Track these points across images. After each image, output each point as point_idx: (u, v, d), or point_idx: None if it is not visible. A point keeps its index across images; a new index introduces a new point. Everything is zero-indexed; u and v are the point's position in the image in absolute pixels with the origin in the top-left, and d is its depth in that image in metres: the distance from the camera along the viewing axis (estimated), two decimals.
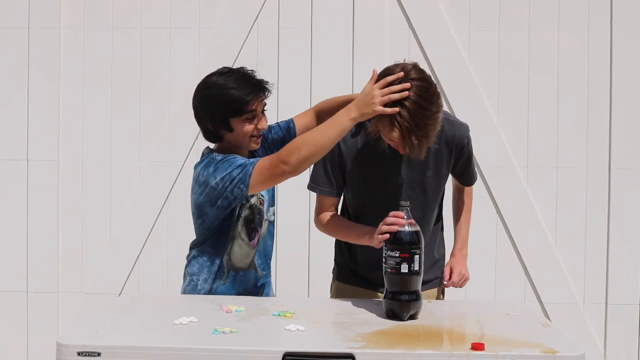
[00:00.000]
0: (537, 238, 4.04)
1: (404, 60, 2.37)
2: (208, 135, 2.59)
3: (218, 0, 4.12)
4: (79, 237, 4.17)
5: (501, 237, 4.05)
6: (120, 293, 4.11)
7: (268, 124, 2.62)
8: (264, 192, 2.62)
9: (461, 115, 3.96)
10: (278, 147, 2.58)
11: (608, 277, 4.04)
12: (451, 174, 2.69)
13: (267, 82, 2.55)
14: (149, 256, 4.12)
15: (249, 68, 2.56)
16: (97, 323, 2.24)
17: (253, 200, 2.59)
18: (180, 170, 4.06)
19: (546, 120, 4.05)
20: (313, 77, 4.08)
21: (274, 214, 2.71)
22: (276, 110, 4.06)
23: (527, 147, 4.06)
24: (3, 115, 4.18)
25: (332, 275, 2.87)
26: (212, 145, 2.64)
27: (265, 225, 2.66)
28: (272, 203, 2.69)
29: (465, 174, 2.75)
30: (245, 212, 2.58)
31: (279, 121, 2.77)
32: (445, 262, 2.84)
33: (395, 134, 2.26)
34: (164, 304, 2.49)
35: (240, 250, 2.61)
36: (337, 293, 2.80)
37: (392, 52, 4.05)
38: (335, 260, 2.85)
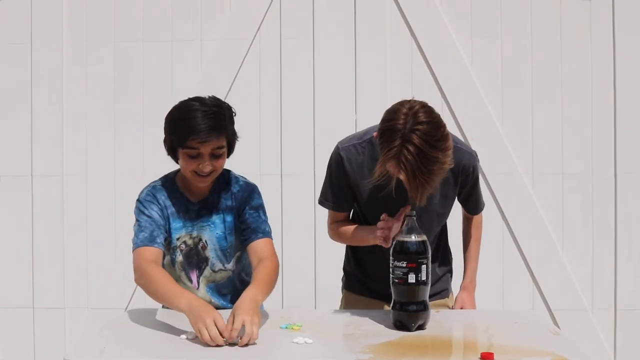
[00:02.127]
0: (544, 245, 4.02)
1: (413, 97, 2.33)
2: (170, 155, 2.57)
3: (220, 12, 4.12)
4: (85, 252, 4.16)
5: (508, 245, 4.04)
6: (127, 308, 4.10)
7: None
8: (210, 239, 2.57)
9: (465, 123, 4.00)
10: (237, 224, 2.56)
11: (616, 282, 4.01)
12: (457, 200, 2.68)
13: (224, 128, 2.42)
14: None
15: (226, 105, 2.48)
16: (104, 338, 2.23)
17: (181, 243, 2.56)
18: None
19: (551, 126, 4.04)
20: (316, 87, 4.07)
21: (235, 264, 2.62)
22: (279, 121, 4.07)
23: (532, 154, 4.05)
24: (7, 131, 4.18)
25: (341, 283, 2.87)
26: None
27: (210, 272, 2.60)
28: (232, 254, 2.61)
29: (470, 202, 2.71)
30: (179, 258, 2.58)
31: (259, 224, 2.56)
32: (452, 275, 2.82)
33: (403, 175, 2.24)
34: (171, 318, 2.47)
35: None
36: (345, 303, 2.80)
37: (395, 61, 4.05)
38: (344, 268, 2.85)
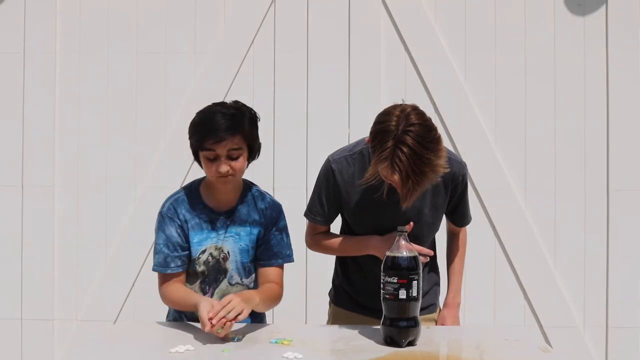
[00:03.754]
0: (536, 261, 4.02)
1: (403, 100, 2.35)
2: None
3: (214, 25, 4.12)
4: (74, 264, 4.13)
5: (500, 261, 4.03)
6: (116, 320, 4.07)
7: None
8: (233, 250, 2.57)
9: (458, 138, 4.00)
10: (258, 238, 2.59)
11: (608, 299, 4.01)
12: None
13: (235, 129, 2.43)
14: (145, 282, 4.09)
15: (254, 112, 2.54)
16: (92, 351, 2.21)
17: (207, 255, 2.56)
18: None
19: (544, 142, 4.04)
20: (309, 101, 4.07)
21: (254, 282, 2.62)
22: (272, 134, 4.06)
23: (524, 169, 4.04)
24: None
25: (328, 297, 2.85)
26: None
27: (227, 285, 2.60)
28: (252, 270, 2.62)
29: (457, 212, 2.69)
30: (200, 268, 2.58)
31: (282, 248, 2.62)
32: (439, 288, 2.80)
33: (396, 177, 2.24)
34: (161, 331, 2.46)
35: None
36: (333, 318, 2.78)
37: (389, 75, 4.06)
38: (332, 281, 2.83)
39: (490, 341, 2.35)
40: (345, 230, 2.71)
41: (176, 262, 2.53)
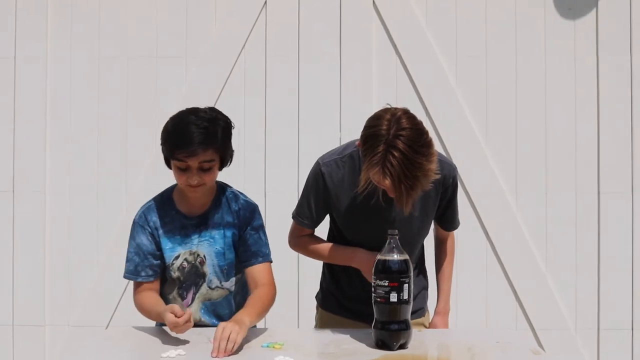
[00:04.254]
0: (527, 264, 4.02)
1: (388, 104, 2.34)
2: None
3: (205, 29, 4.12)
4: (66, 269, 4.12)
5: (491, 263, 4.04)
6: (108, 325, 4.06)
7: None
8: (209, 254, 2.56)
9: (449, 141, 4.01)
10: (236, 241, 2.57)
11: (600, 302, 4.02)
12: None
13: (207, 143, 2.40)
14: None
15: (228, 120, 2.49)
16: (84, 356, 2.21)
17: (182, 260, 2.55)
18: None
19: (534, 145, 4.05)
20: (300, 105, 4.07)
21: (235, 285, 2.61)
22: (264, 138, 4.06)
23: (515, 173, 4.05)
24: None
25: (315, 301, 2.84)
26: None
27: (207, 289, 2.58)
28: (230, 273, 2.59)
29: (446, 216, 2.67)
30: (175, 274, 2.57)
31: (260, 247, 2.58)
32: (427, 293, 2.80)
33: (388, 182, 2.23)
34: (152, 336, 2.45)
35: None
36: (321, 322, 2.77)
37: (380, 78, 4.06)
38: (320, 285, 2.82)
39: (481, 344, 2.35)
40: (333, 232, 2.70)
41: (147, 271, 2.53)
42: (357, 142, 2.40)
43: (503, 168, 4.05)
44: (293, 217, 2.67)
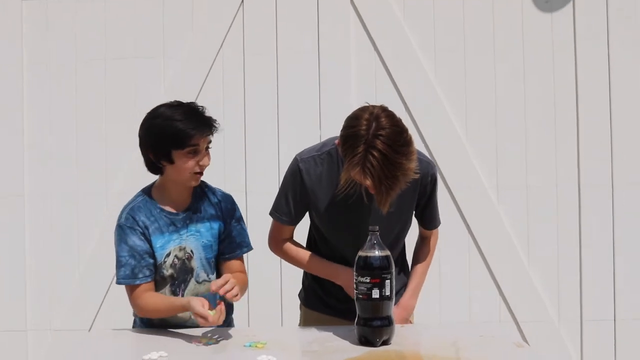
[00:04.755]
0: (509, 257, 4.03)
1: (366, 102, 2.33)
2: (149, 166, 2.56)
3: (183, 29, 4.10)
4: (47, 273, 4.09)
5: (474, 258, 4.04)
6: (90, 329, 4.03)
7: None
8: (196, 248, 2.56)
9: (429, 137, 4.01)
10: (220, 235, 2.60)
11: (582, 293, 4.03)
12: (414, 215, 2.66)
13: (214, 121, 2.50)
14: (118, 290, 4.03)
15: (198, 104, 2.53)
16: None
17: (173, 257, 2.54)
18: None
19: (514, 139, 4.06)
20: (280, 104, 4.06)
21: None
22: (244, 137, 4.05)
23: (496, 167, 4.06)
24: None
25: (299, 299, 2.83)
26: (153, 179, 2.64)
27: (195, 284, 2.58)
28: (214, 265, 2.61)
29: (425, 214, 2.66)
30: (167, 272, 2.55)
31: (244, 237, 2.66)
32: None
33: (369, 181, 2.23)
34: (135, 338, 2.44)
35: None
36: (304, 321, 2.77)
37: (359, 76, 4.06)
38: (302, 282, 2.81)
39: (466, 338, 2.35)
40: (312, 230, 2.69)
41: (144, 272, 2.51)
42: (336, 141, 2.39)
43: (484, 163, 4.06)
44: (271, 214, 2.66)
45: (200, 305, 2.28)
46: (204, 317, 2.26)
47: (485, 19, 4.07)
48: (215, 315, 2.29)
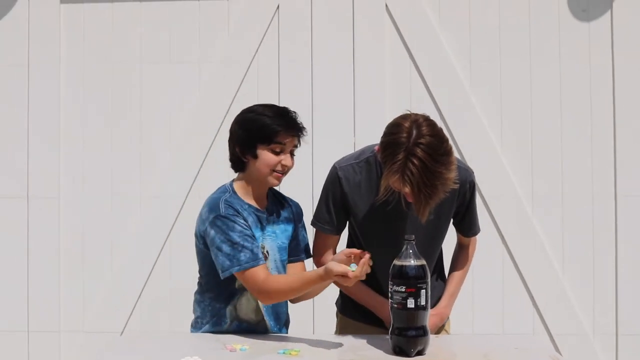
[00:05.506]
0: (544, 268, 3.99)
1: (408, 110, 2.33)
2: (233, 161, 2.55)
3: (218, 34, 4.12)
4: (80, 275, 4.12)
5: (508, 268, 4.01)
6: (123, 332, 4.06)
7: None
8: (272, 249, 2.55)
9: (464, 145, 3.98)
10: (291, 241, 2.62)
11: (618, 306, 3.98)
12: (452, 223, 2.65)
13: (303, 127, 2.52)
14: (151, 293, 4.08)
15: (291, 109, 2.55)
16: None
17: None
18: (182, 205, 4.03)
19: (550, 148, 4.02)
20: (314, 110, 4.06)
21: None
22: None
23: (531, 176, 4.02)
24: (3, 152, 4.16)
25: (335, 307, 2.82)
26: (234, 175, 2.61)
27: None
28: (283, 265, 2.61)
29: (465, 221, 2.66)
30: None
31: (308, 242, 2.71)
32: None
33: (408, 189, 2.23)
34: (167, 342, 2.45)
35: (247, 304, 2.54)
36: (341, 329, 2.76)
37: (393, 82, 4.05)
38: (340, 290, 2.79)
39: (499, 350, 2.33)
40: (352, 237, 2.68)
41: (260, 252, 2.45)
42: (376, 148, 2.39)
43: (519, 172, 4.03)
44: (312, 224, 2.65)
45: (337, 265, 2.24)
46: (344, 275, 2.23)
47: (521, 29, 4.04)
48: (357, 269, 2.23)
